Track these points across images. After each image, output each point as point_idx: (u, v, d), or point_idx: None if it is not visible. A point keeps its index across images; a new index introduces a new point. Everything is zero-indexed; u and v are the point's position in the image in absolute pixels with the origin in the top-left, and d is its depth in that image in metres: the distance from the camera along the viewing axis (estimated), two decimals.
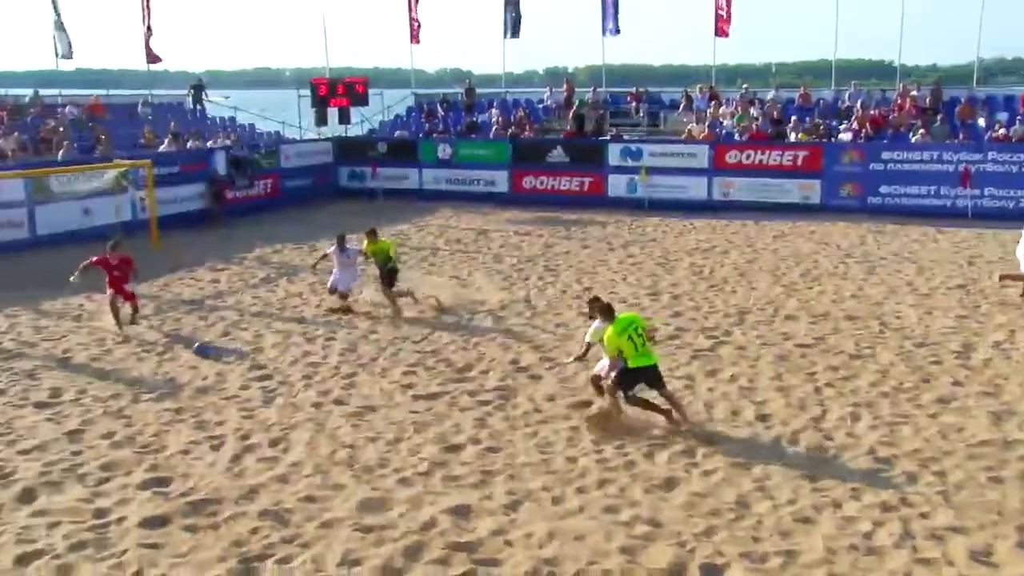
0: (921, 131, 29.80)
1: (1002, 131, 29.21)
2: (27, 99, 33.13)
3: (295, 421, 12.41)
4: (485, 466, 10.91)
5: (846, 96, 33.32)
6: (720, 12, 34.75)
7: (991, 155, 28.31)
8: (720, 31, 35.03)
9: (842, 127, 31.11)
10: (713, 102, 33.92)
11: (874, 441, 11.54)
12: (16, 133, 28.24)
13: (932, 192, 28.66)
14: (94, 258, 16.85)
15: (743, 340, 15.85)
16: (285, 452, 11.41)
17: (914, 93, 32.17)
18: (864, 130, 30.47)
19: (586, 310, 17.51)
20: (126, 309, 16.94)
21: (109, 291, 16.67)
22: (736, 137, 31.58)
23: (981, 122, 30.19)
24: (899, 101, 31.84)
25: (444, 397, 13.26)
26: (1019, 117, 29.68)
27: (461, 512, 9.77)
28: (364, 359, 15.09)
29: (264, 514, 9.76)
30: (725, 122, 32.67)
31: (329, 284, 18.20)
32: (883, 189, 29.12)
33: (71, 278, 17.02)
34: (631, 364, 11.77)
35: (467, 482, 10.52)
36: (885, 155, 29.23)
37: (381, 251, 18.12)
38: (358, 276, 18.62)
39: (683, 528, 9.40)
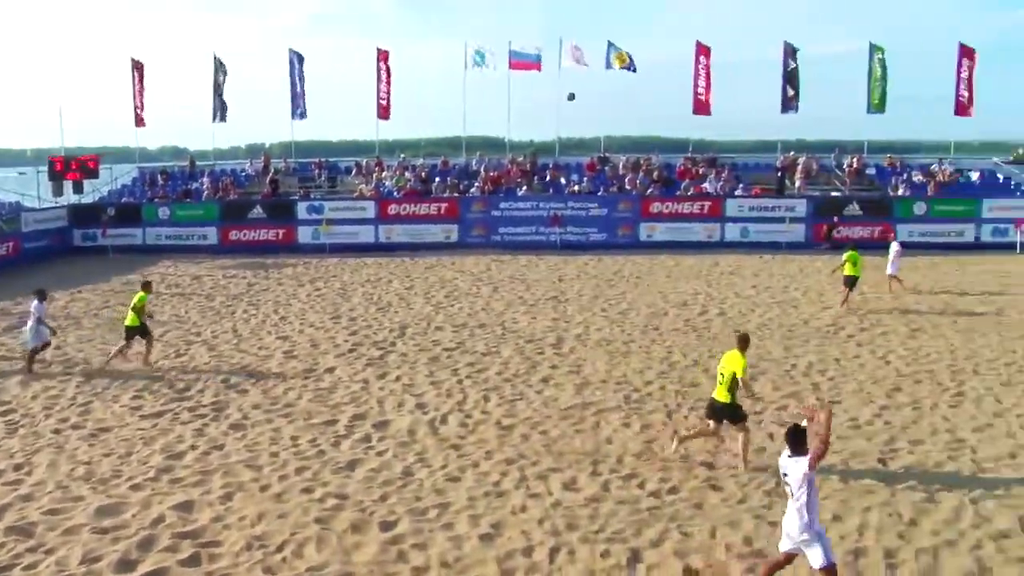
0: (525, 187, 31.77)
1: (576, 187, 31.78)
2: None
3: (37, 447, 11.19)
4: (204, 467, 10.40)
5: (473, 163, 34.78)
6: (381, 101, 35.21)
7: (570, 204, 30.73)
8: (382, 113, 35.47)
9: (473, 185, 32.40)
10: (377, 168, 34.26)
11: (500, 414, 12.16)
12: None
13: (534, 231, 30.54)
14: None
15: (404, 349, 16.09)
16: (28, 474, 10.27)
17: (519, 160, 34.19)
18: (487, 187, 31.95)
19: (284, 334, 17.26)
20: None
21: None
22: (395, 194, 32.04)
23: (563, 180, 32.54)
24: (509, 166, 33.66)
25: (167, 415, 12.43)
26: (585, 178, 32.45)
27: (185, 507, 9.28)
28: (98, 388, 13.85)
29: (10, 530, 8.78)
30: (387, 183, 33.05)
31: (30, 341, 14.93)
32: (501, 229, 30.58)
33: None
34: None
35: (189, 482, 9.98)
36: (502, 205, 30.79)
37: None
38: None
39: (364, 497, 9.48)
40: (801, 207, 30.60)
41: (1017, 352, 15.53)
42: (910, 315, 18.75)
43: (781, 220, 30.25)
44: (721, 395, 10.11)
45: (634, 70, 33.72)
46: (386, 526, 8.77)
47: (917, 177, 32.60)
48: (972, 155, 41.52)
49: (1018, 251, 29.19)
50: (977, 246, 29.58)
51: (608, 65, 33.70)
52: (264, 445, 11.13)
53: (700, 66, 33.35)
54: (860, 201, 30.86)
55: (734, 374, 9.94)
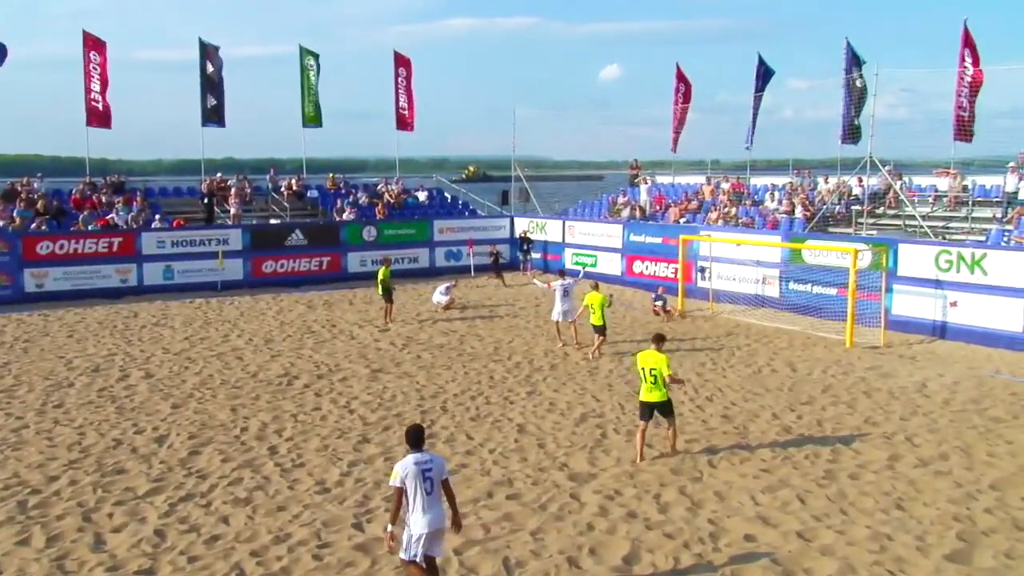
0: None
1: None
2: None
3: None
4: None
5: None
6: None
7: None
8: None
9: None
10: None
11: None
12: None
13: None
14: None
15: None
16: None
17: None
18: None
19: None
20: None
21: None
22: None
23: None
24: None
25: None
26: None
27: None
28: None
29: None
30: None
31: None
32: None
33: None
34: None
35: None
36: None
37: None
38: None
39: None
40: (237, 238, 31.14)
41: (482, 383, 17.56)
42: (369, 357, 20.15)
43: (213, 255, 30.44)
44: (655, 395, 13.11)
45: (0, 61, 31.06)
46: None
47: (363, 199, 35.45)
48: (418, 173, 46.82)
49: (472, 274, 33.47)
50: (432, 272, 33.15)
51: None
52: None
53: (93, 65, 32.10)
54: (304, 229, 32.43)
55: (662, 371, 12.98)
